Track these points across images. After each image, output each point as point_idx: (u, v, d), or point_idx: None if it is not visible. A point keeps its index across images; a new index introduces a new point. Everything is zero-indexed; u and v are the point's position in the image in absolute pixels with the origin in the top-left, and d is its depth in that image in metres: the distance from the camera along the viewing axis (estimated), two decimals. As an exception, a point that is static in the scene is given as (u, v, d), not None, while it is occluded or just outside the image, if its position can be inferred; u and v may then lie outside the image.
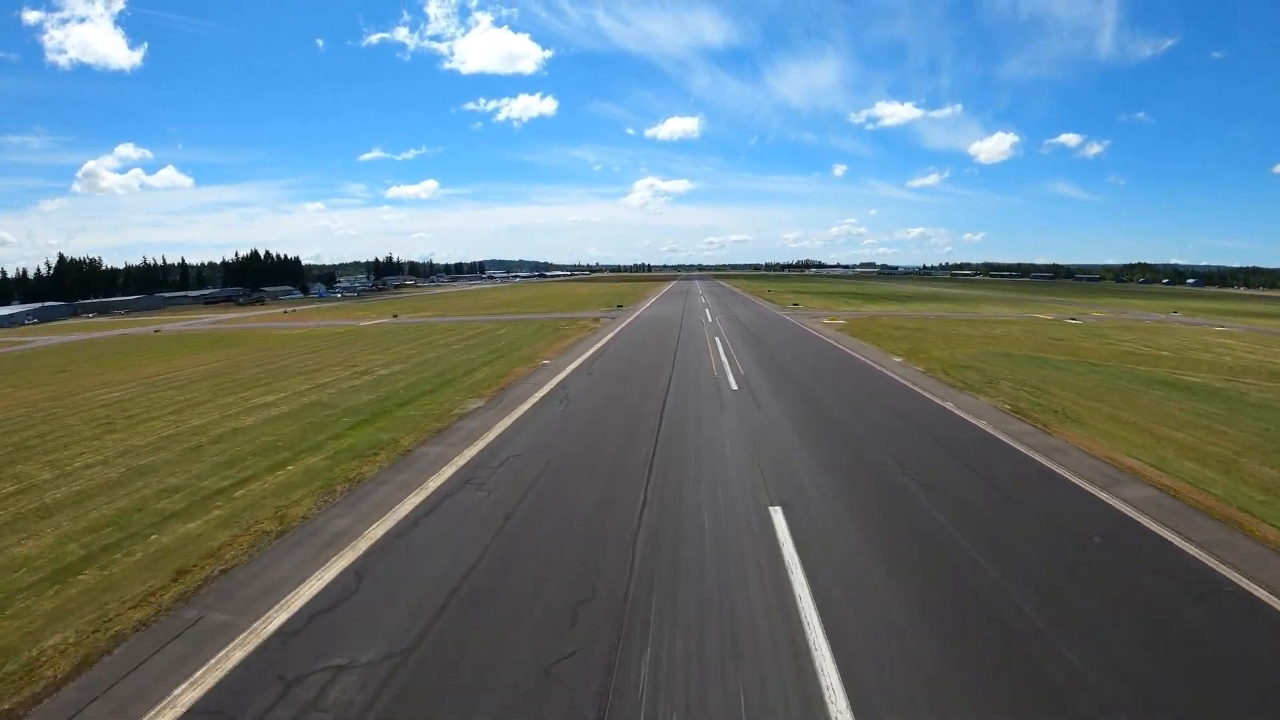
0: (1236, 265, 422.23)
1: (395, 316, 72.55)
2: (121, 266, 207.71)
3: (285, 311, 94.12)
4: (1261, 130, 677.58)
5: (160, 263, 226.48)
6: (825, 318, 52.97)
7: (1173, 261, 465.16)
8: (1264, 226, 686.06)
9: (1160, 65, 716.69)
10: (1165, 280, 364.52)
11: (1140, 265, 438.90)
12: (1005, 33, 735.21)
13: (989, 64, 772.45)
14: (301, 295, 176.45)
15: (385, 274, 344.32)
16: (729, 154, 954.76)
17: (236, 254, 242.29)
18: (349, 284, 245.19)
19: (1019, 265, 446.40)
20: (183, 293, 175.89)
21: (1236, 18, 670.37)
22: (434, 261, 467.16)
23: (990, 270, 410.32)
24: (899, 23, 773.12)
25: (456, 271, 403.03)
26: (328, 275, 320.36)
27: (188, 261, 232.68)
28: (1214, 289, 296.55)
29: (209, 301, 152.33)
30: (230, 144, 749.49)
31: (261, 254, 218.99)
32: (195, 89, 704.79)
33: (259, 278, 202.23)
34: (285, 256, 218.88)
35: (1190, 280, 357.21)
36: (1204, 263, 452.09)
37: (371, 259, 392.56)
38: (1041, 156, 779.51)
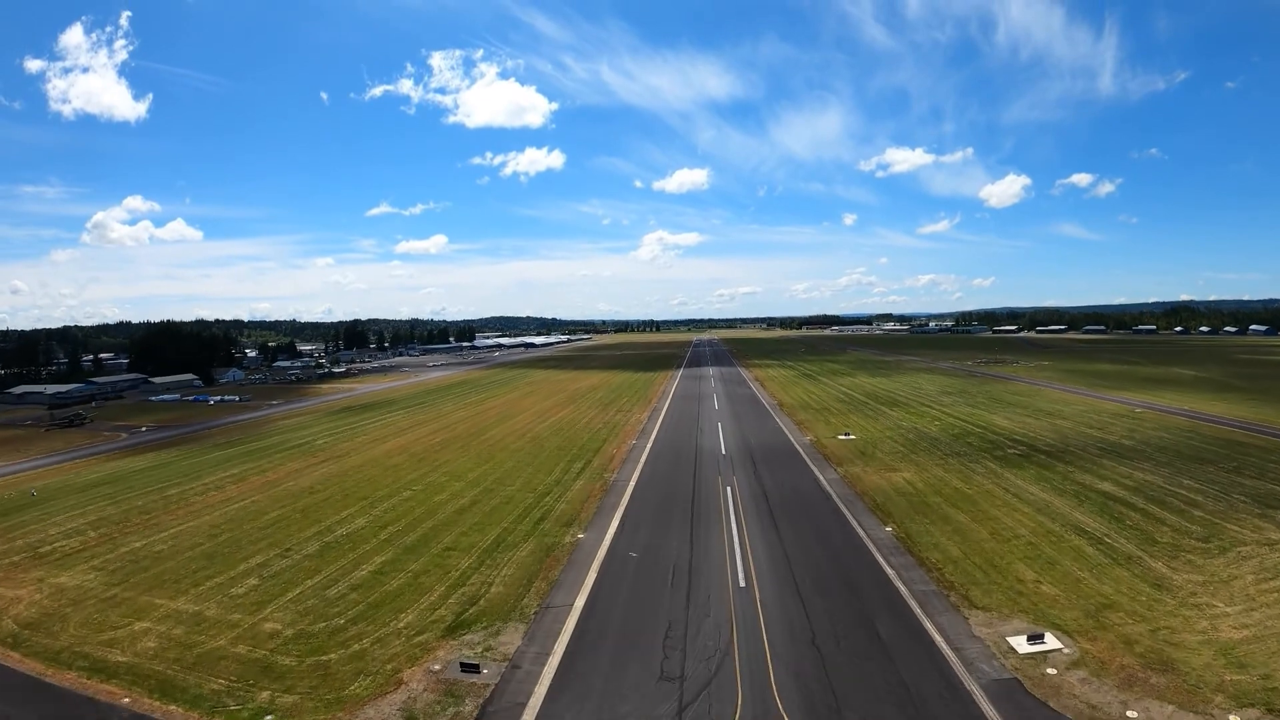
0: (1248, 298, 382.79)
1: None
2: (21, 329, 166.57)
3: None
4: (1270, 160, 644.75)
5: (53, 329, 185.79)
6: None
7: (1182, 298, 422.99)
8: (1274, 260, 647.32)
9: (1173, 100, 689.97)
10: (1230, 329, 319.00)
11: (1184, 307, 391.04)
12: (1009, 75, 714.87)
13: (998, 107, 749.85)
14: (178, 397, 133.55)
15: (352, 339, 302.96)
16: (737, 206, 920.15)
17: (149, 321, 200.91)
18: (290, 363, 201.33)
19: (1061, 314, 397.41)
20: (40, 388, 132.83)
21: (1250, 45, 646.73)
22: (445, 319, 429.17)
23: (1035, 324, 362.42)
24: (901, 71, 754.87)
25: (441, 340, 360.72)
26: (286, 345, 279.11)
27: (177, 319, 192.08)
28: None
29: (57, 404, 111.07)
30: (238, 198, 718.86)
31: (196, 316, 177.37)
32: (200, 141, 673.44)
33: (167, 356, 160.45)
34: (207, 324, 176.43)
35: (1258, 327, 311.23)
36: (1211, 297, 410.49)
37: (350, 319, 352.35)
38: (1053, 198, 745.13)
